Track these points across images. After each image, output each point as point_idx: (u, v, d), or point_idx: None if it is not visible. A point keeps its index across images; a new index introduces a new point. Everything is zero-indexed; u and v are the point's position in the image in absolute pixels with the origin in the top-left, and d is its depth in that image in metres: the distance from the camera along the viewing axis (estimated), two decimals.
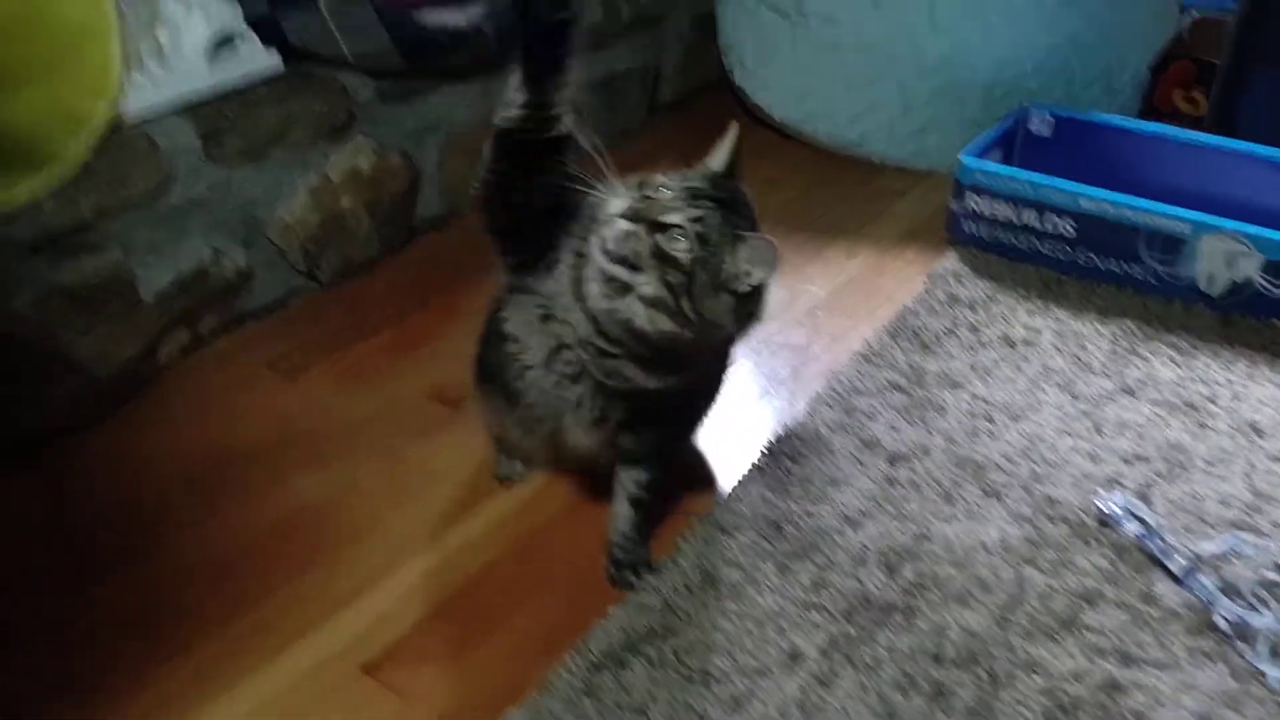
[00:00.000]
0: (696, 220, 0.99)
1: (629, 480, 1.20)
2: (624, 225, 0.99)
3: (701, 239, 0.99)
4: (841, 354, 1.56)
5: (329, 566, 1.22)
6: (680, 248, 0.99)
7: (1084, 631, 1.12)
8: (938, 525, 1.25)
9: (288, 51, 1.61)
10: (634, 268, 0.99)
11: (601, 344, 1.06)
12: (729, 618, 1.13)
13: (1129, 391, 1.46)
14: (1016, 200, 1.71)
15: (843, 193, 2.01)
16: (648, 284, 0.99)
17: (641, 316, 1.01)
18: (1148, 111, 2.19)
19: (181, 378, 1.51)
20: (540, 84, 1.02)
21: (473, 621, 1.16)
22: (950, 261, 1.76)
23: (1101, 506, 1.25)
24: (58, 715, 1.06)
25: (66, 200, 1.34)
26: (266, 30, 1.59)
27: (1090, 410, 1.43)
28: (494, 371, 1.17)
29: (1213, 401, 1.44)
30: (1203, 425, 1.40)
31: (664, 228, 0.99)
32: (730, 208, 1.03)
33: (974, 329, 1.59)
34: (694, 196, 1.01)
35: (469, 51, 1.73)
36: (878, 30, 1.94)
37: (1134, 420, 1.41)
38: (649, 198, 1.01)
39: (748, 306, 1.04)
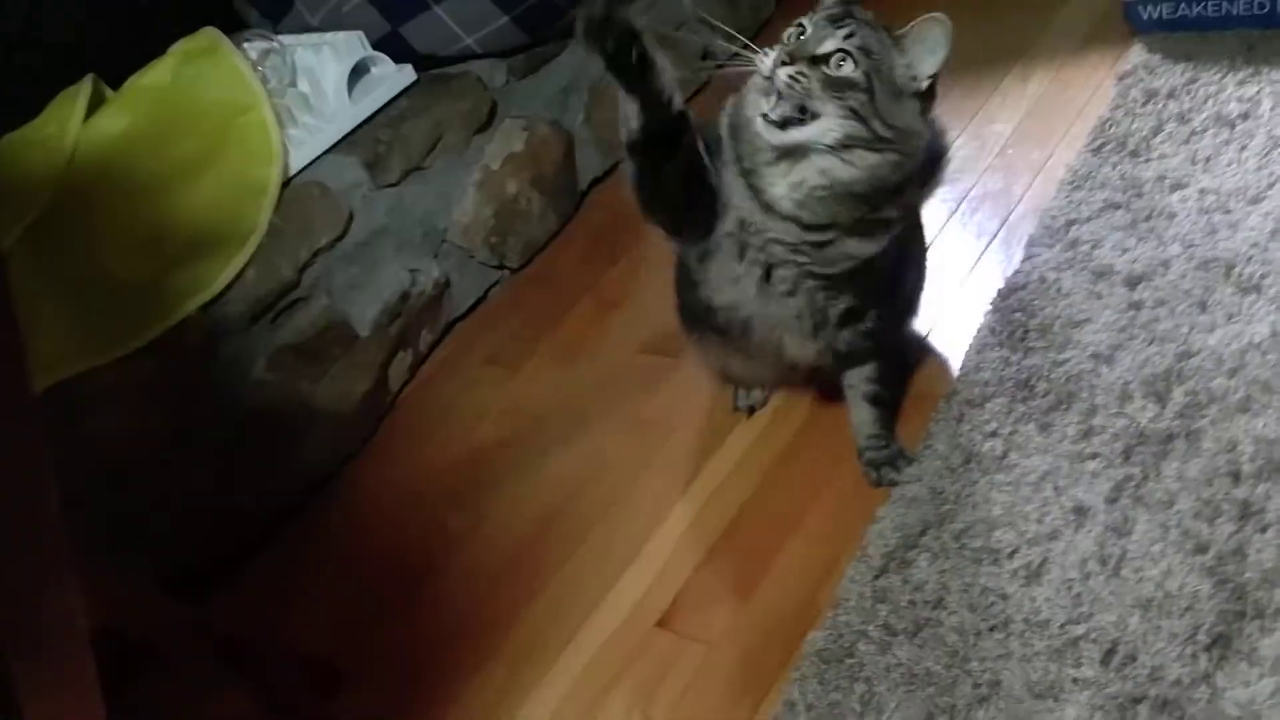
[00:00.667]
0: (850, 37, 0.97)
1: (860, 380, 1.18)
2: (785, 72, 0.96)
3: (864, 51, 0.97)
4: (1047, 187, 1.48)
5: (599, 537, 1.26)
6: (849, 68, 0.96)
7: None
8: (1198, 337, 1.17)
9: (418, 61, 1.64)
10: (810, 116, 0.97)
11: (815, 236, 1.04)
12: (1001, 490, 1.10)
13: None
14: None
15: (1001, 12, 1.86)
16: (831, 129, 0.97)
17: (841, 170, 0.99)
18: None
19: (415, 397, 1.58)
20: (645, 99, 1.01)
21: (748, 556, 1.18)
22: (1137, 55, 1.62)
23: None
24: None
25: (266, 266, 1.41)
26: (393, 47, 1.62)
27: None
28: (701, 315, 1.17)
29: None
30: None
31: (825, 58, 0.96)
32: (870, 22, 1.00)
33: (1182, 119, 1.47)
34: (834, 21, 0.98)
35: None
36: None
37: None
38: (794, 41, 0.98)
39: (929, 100, 1.02)
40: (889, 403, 1.19)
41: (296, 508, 1.44)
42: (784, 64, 0.96)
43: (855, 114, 0.96)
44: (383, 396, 1.55)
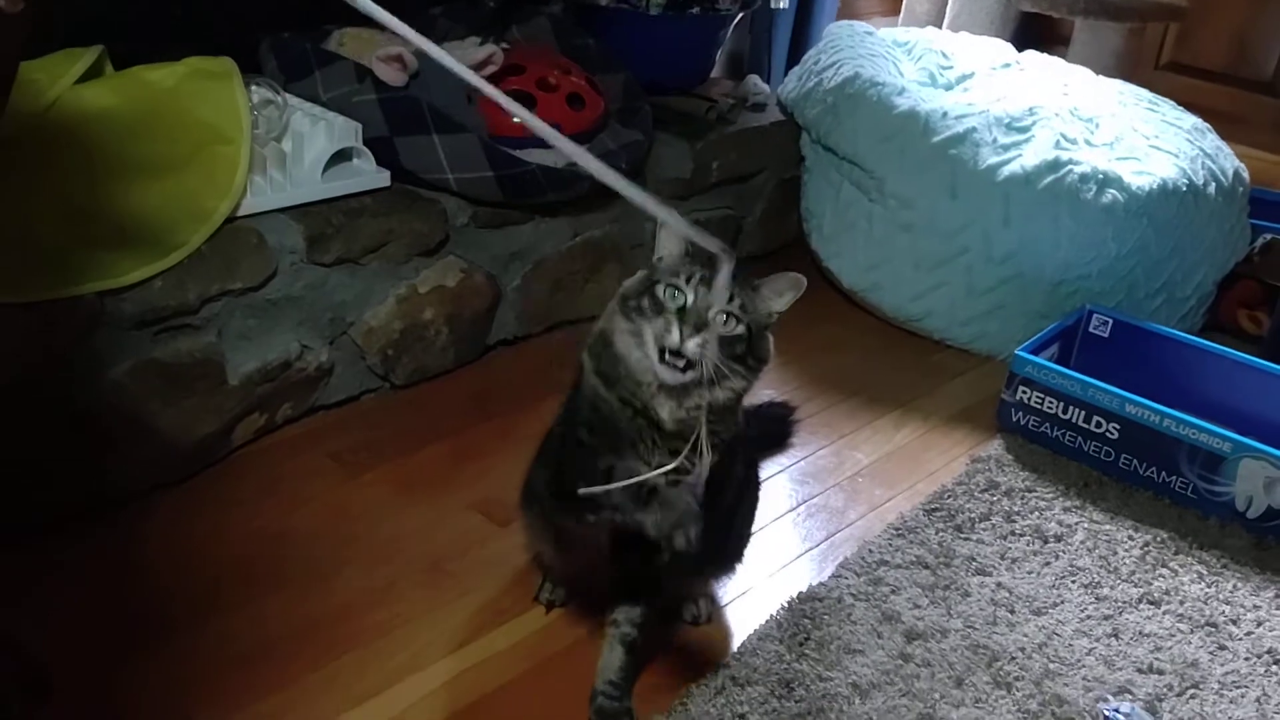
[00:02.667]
0: (731, 299, 1.10)
1: (624, 620, 1.23)
2: (693, 343, 1.08)
3: (743, 308, 1.11)
4: (876, 524, 1.61)
5: (354, 662, 1.28)
6: (735, 328, 1.10)
7: None
8: (944, 708, 1.28)
9: (398, 172, 1.74)
10: (714, 379, 1.10)
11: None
12: None
13: (1153, 601, 1.49)
14: (1066, 398, 1.76)
15: (901, 364, 2.08)
16: (731, 381, 1.12)
17: (719, 395, 1.12)
18: (1212, 325, 2.24)
19: (251, 459, 1.60)
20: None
21: None
22: (995, 447, 1.80)
23: (1107, 712, 1.27)
24: None
25: (176, 283, 1.46)
26: (382, 151, 1.72)
27: (1111, 614, 1.45)
28: (537, 497, 1.25)
29: (1235, 623, 1.46)
30: (1222, 646, 1.42)
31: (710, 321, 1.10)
32: (735, 275, 1.12)
33: (1009, 517, 1.63)
34: (707, 283, 1.11)
35: (564, 191, 1.86)
36: (951, 219, 2.03)
37: (1154, 631, 1.43)
38: (681, 311, 1.10)
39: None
40: (638, 655, 1.24)
41: (91, 513, 1.43)
42: (690, 335, 1.08)
43: (740, 359, 1.11)
44: (220, 446, 1.58)
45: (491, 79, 1.87)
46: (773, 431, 1.76)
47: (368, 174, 1.72)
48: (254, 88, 1.67)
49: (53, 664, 1.20)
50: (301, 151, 1.65)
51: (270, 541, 1.45)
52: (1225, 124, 2.41)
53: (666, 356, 1.09)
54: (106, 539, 1.42)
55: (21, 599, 1.30)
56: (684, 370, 1.09)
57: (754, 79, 2.42)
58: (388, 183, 1.74)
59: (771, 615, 1.40)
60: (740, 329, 1.10)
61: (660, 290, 1.11)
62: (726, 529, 1.35)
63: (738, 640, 1.37)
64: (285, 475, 1.58)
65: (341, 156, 1.70)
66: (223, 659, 1.26)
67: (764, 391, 1.89)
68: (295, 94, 1.75)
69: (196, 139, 1.57)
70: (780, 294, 1.15)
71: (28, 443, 1.37)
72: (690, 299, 1.10)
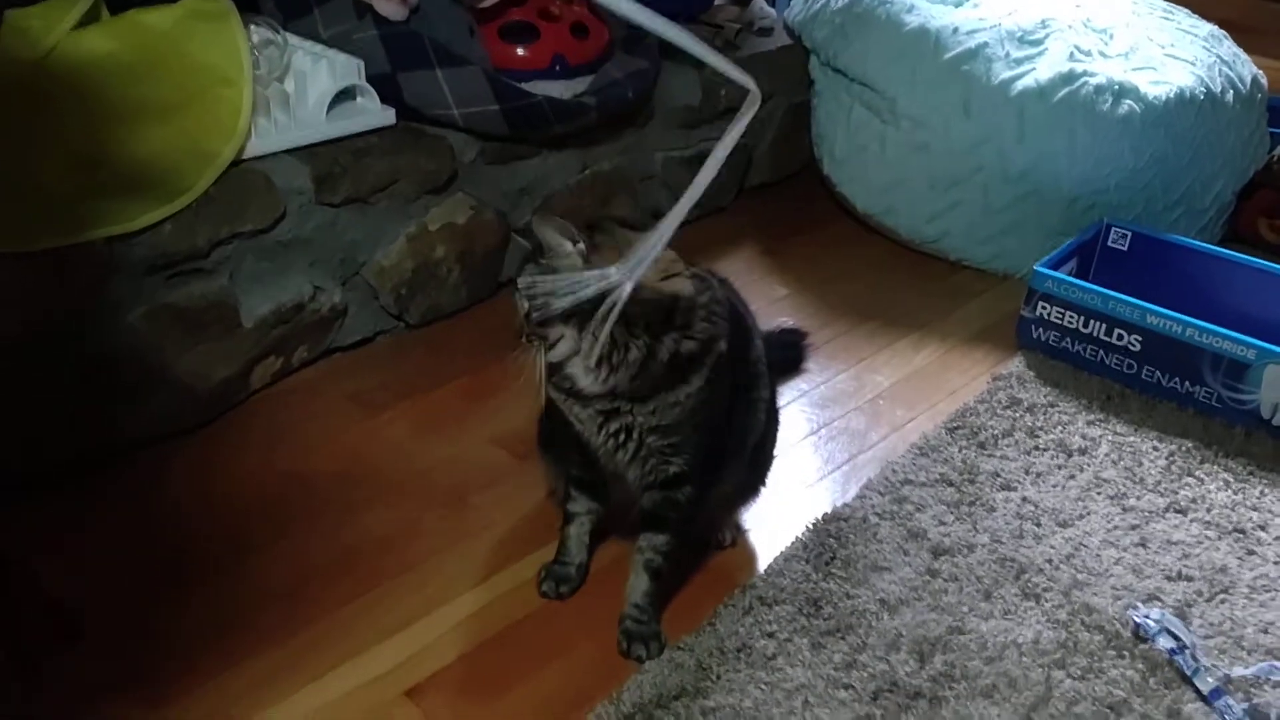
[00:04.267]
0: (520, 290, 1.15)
1: (648, 548, 1.24)
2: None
3: (545, 300, 1.12)
4: (899, 444, 1.60)
5: (385, 595, 1.29)
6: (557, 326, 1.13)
7: None
8: (973, 620, 1.28)
9: (403, 109, 1.72)
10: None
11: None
12: (759, 686, 1.17)
13: (1180, 510, 1.48)
14: (1086, 311, 1.74)
15: (918, 287, 2.06)
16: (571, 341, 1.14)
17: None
18: (1231, 236, 2.21)
19: (270, 402, 1.60)
20: None
21: (515, 661, 1.22)
22: (1016, 365, 1.79)
23: (1137, 619, 1.26)
24: (126, 706, 1.13)
25: (185, 227, 1.45)
26: (385, 88, 1.70)
27: (1139, 524, 1.45)
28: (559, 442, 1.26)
29: (1263, 529, 1.45)
30: (1250, 551, 1.41)
31: (528, 318, 1.15)
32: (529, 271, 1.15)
33: (1032, 433, 1.62)
34: (539, 326, 1.14)
35: (570, 123, 1.83)
36: (966, 137, 2.00)
37: (1181, 539, 1.43)
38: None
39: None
40: (665, 581, 1.25)
41: (114, 458, 1.44)
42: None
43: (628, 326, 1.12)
44: (238, 390, 1.57)
45: (494, 10, 1.85)
46: (786, 357, 1.75)
47: (372, 112, 1.70)
48: (253, 27, 1.65)
49: (84, 609, 1.20)
50: (304, 91, 1.63)
51: (294, 482, 1.45)
52: (1239, 34, 2.35)
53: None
54: (131, 484, 1.42)
55: (49, 546, 1.31)
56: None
57: (760, 3, 2.38)
58: (393, 120, 1.71)
59: (797, 537, 1.39)
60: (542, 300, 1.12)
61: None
62: (757, 455, 1.34)
63: (764, 562, 1.36)
64: (305, 417, 1.58)
65: (345, 95, 1.67)
66: (253, 597, 1.27)
67: (777, 318, 1.88)
68: (294, 33, 1.72)
69: (197, 81, 1.55)
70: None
71: (46, 391, 1.37)
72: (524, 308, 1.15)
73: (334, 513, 1.41)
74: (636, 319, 1.12)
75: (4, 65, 1.43)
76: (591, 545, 1.32)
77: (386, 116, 1.70)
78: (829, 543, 1.38)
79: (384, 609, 1.27)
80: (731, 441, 1.27)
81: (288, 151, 1.59)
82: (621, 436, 1.19)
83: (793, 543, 1.38)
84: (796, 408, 1.68)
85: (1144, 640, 1.25)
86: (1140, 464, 1.57)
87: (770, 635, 1.24)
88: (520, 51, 1.87)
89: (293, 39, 1.70)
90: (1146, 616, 1.26)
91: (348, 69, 1.66)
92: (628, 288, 1.08)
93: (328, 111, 1.64)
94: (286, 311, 1.59)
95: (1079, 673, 1.22)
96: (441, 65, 1.70)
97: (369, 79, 1.69)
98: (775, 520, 1.44)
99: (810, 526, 1.41)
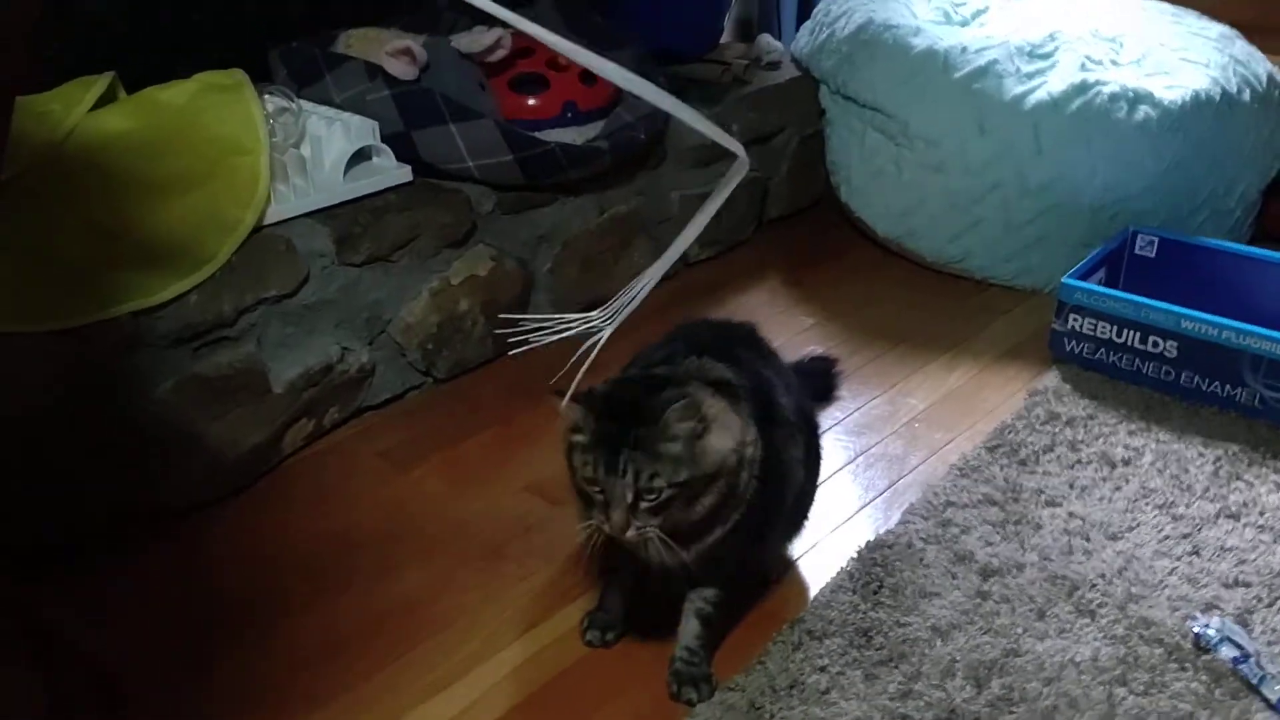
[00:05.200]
0: (639, 476, 1.08)
1: (698, 598, 1.22)
2: (632, 533, 1.09)
3: (653, 474, 1.07)
4: (938, 467, 1.58)
5: (427, 652, 1.27)
6: (659, 494, 1.08)
7: None
8: (1028, 641, 1.25)
9: (419, 166, 1.73)
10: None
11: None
12: None
13: (1232, 515, 1.44)
14: (1119, 321, 1.72)
15: (945, 309, 2.04)
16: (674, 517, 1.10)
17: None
18: (1261, 235, 2.18)
19: (303, 464, 1.60)
20: None
21: (564, 712, 1.20)
22: (1051, 379, 1.76)
23: (1197, 629, 1.23)
24: None
25: (210, 297, 1.45)
26: (400, 146, 1.71)
27: (1190, 533, 1.41)
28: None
29: None
30: None
31: (638, 501, 1.09)
32: (638, 427, 1.09)
33: (1073, 447, 1.59)
34: (610, 469, 1.09)
35: (585, 168, 1.84)
36: (982, 154, 1.99)
37: (1236, 545, 1.39)
38: (607, 498, 1.10)
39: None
40: (716, 626, 1.23)
41: (151, 530, 1.44)
42: (626, 529, 1.09)
43: (684, 501, 1.10)
44: (272, 454, 1.57)
45: (502, 62, 1.86)
46: (817, 386, 1.73)
47: (389, 171, 1.71)
48: (267, 97, 1.67)
49: (123, 675, 1.20)
50: (321, 155, 1.65)
51: (330, 542, 1.45)
52: (1259, 34, 2.33)
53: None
54: (168, 552, 1.42)
55: (88, 614, 1.31)
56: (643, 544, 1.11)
57: (765, 38, 2.39)
58: (409, 177, 1.73)
59: (842, 567, 1.37)
60: (667, 488, 1.08)
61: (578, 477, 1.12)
62: (799, 501, 1.33)
63: (811, 595, 1.34)
64: (338, 477, 1.58)
65: (361, 156, 1.69)
66: (292, 661, 1.26)
67: (805, 347, 1.87)
68: (308, 99, 1.74)
69: (215, 152, 1.57)
70: (722, 433, 1.10)
71: (78, 463, 1.37)
72: (608, 489, 1.09)
73: (371, 571, 1.40)
74: (689, 495, 1.10)
75: (27, 148, 1.45)
76: (634, 590, 1.29)
77: (403, 174, 1.72)
78: (875, 571, 1.35)
79: (427, 666, 1.25)
80: (771, 514, 1.25)
81: (308, 215, 1.60)
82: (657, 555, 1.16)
83: (838, 573, 1.36)
84: (832, 436, 1.66)
85: (1206, 651, 1.22)
86: (1187, 471, 1.53)
87: (822, 669, 1.21)
88: (531, 101, 1.88)
89: (306, 105, 1.72)
90: (1206, 626, 1.23)
91: (362, 130, 1.68)
92: (606, 334, 1.08)
93: (345, 173, 1.65)
94: (315, 374, 1.59)
95: (1141, 688, 1.18)
96: (454, 120, 1.71)
97: (384, 138, 1.70)
98: (819, 552, 1.42)
99: (855, 556, 1.38)
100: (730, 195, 2.16)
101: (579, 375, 1.08)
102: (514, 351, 1.08)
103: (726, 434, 1.11)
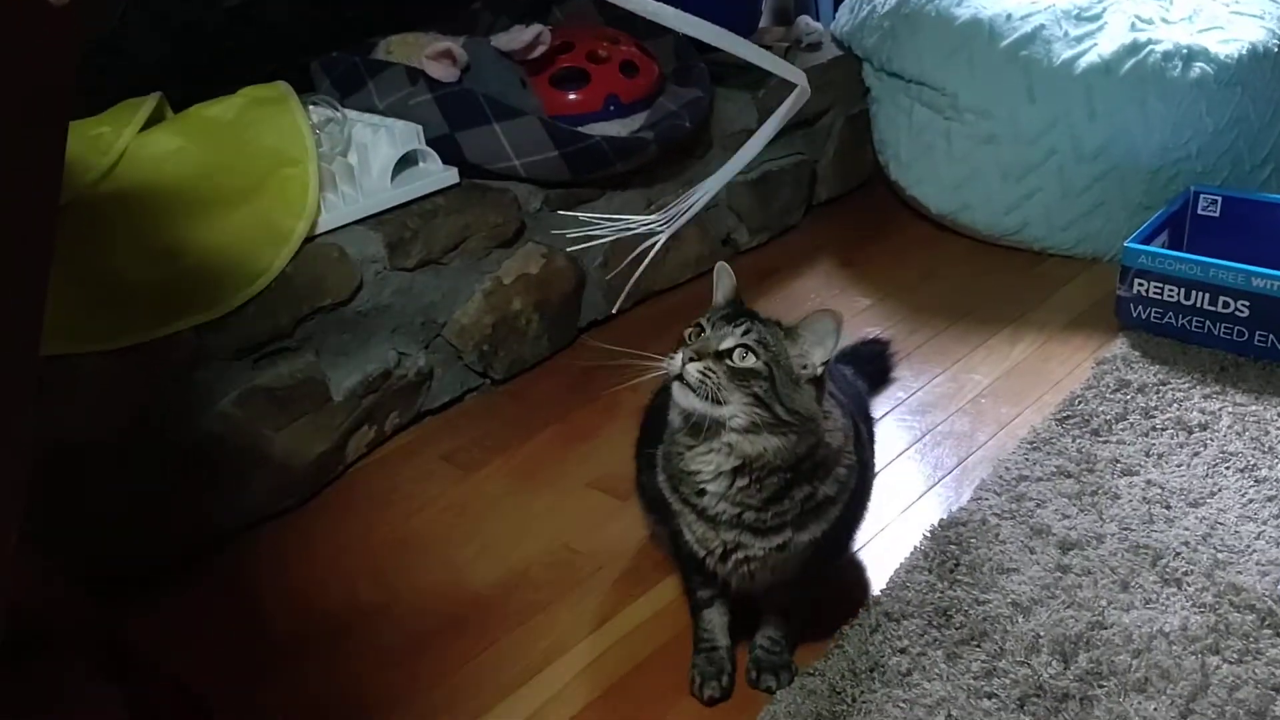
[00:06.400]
0: (747, 333, 1.05)
1: (782, 590, 1.20)
2: (694, 367, 1.04)
3: (761, 344, 1.05)
4: (1008, 441, 1.55)
5: (504, 651, 1.27)
6: (750, 360, 1.04)
7: None
8: (1113, 613, 1.22)
9: (465, 167, 1.73)
10: (717, 402, 1.04)
11: (766, 542, 1.11)
12: (897, 705, 1.12)
13: None
14: (1186, 283, 1.67)
15: (1004, 281, 2.00)
16: (738, 414, 1.04)
17: (747, 446, 1.06)
18: None
19: (367, 472, 1.60)
20: None
21: (643, 704, 1.19)
22: (1119, 347, 1.72)
23: None
24: None
25: (267, 308, 1.46)
26: (446, 149, 1.71)
27: (1275, 495, 1.37)
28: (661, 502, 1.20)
29: None
30: None
31: (728, 353, 1.05)
32: (760, 317, 1.09)
33: (1146, 414, 1.55)
34: (730, 320, 1.07)
35: (631, 159, 1.83)
36: (1034, 122, 1.95)
37: None
38: (697, 340, 1.07)
39: (821, 386, 1.09)
40: (797, 619, 1.22)
41: (223, 543, 1.45)
42: (691, 360, 1.05)
43: (759, 400, 1.04)
44: (336, 463, 1.58)
45: (543, 58, 1.86)
46: (872, 370, 1.70)
47: (435, 174, 1.71)
48: (312, 107, 1.68)
49: (205, 689, 1.20)
50: (368, 162, 1.65)
51: (399, 547, 1.45)
52: None
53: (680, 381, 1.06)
54: (241, 566, 1.43)
55: (167, 630, 1.31)
56: (698, 396, 1.04)
57: (805, 19, 2.36)
58: (456, 179, 1.72)
59: (915, 547, 1.35)
60: (756, 363, 1.04)
61: (687, 330, 1.09)
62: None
63: (885, 576, 1.32)
64: (403, 482, 1.58)
65: (408, 161, 1.69)
66: (368, 667, 1.26)
67: (863, 329, 1.85)
68: (352, 107, 1.75)
69: (264, 165, 1.58)
70: (821, 340, 1.06)
71: (149, 484, 1.38)
72: (706, 331, 1.07)
73: (442, 573, 1.40)
74: (788, 459, 1.07)
75: (81, 171, 1.47)
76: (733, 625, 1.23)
77: (450, 176, 1.71)
78: (950, 549, 1.33)
79: (504, 664, 1.25)
80: (862, 510, 1.25)
81: (358, 222, 1.61)
82: (744, 570, 1.14)
83: (912, 554, 1.34)
84: (895, 417, 1.64)
85: None
86: (1267, 433, 1.49)
87: (902, 651, 1.19)
88: (573, 96, 1.88)
89: (351, 113, 1.73)
90: None
91: (407, 135, 1.68)
92: (664, 237, 1.08)
93: (392, 179, 1.65)
94: (374, 380, 1.60)
95: (1235, 656, 1.15)
96: (498, 119, 1.71)
97: (429, 142, 1.70)
98: (889, 534, 1.40)
99: (928, 535, 1.36)
100: (778, 182, 2.16)
101: (634, 277, 1.08)
102: (572, 249, 1.08)
103: (836, 413, 1.11)
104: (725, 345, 1.05)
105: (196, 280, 1.43)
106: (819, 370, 1.07)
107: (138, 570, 1.37)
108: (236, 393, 1.45)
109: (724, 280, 1.14)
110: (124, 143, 1.53)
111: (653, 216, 1.07)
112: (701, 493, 1.10)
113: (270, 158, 1.59)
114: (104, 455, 1.34)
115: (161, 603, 1.36)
